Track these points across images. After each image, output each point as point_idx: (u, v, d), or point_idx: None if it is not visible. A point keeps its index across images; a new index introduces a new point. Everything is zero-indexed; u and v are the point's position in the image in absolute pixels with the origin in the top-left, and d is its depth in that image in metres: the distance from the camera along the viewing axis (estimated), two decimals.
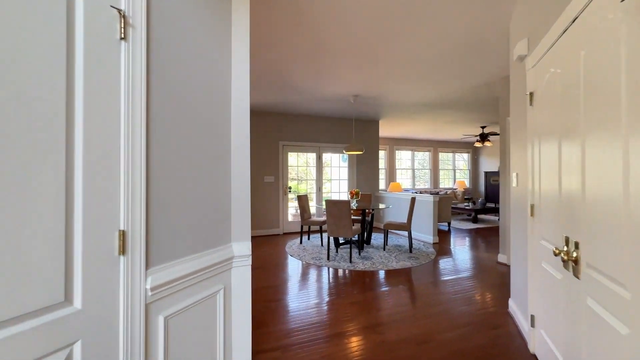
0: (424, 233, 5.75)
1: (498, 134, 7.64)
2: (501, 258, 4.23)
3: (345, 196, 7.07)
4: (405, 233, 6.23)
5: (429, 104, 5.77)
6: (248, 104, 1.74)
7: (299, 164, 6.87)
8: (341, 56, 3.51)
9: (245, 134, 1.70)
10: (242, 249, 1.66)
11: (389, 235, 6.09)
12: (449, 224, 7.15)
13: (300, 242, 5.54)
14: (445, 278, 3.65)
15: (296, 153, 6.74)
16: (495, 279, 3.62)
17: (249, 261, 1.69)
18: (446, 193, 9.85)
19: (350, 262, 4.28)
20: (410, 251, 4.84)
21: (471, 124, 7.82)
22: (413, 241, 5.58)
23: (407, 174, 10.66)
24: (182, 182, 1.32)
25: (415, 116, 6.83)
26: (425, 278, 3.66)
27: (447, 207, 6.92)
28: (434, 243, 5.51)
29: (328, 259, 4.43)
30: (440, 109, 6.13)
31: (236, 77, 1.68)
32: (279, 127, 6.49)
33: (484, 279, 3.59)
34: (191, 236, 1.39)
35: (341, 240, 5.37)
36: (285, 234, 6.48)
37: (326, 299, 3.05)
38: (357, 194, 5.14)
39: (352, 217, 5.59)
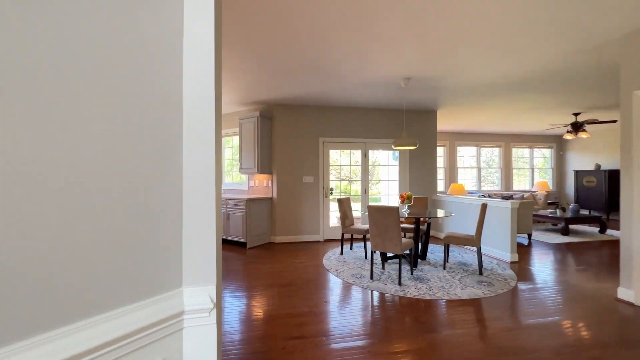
0: (498, 248, 4.55)
1: (603, 122, 5.94)
2: (624, 294, 2.95)
3: (395, 200, 6.12)
4: (473, 248, 5.08)
5: (503, 86, 4.55)
6: (211, 78, 1.06)
7: (342, 163, 6.13)
8: (390, 22, 2.68)
9: (208, 126, 1.04)
10: (199, 299, 1.00)
11: (450, 249, 5.00)
12: (530, 236, 5.72)
13: (341, 253, 4.80)
14: (537, 320, 2.58)
15: (338, 150, 6.01)
16: (620, 328, 2.44)
17: (213, 318, 1.02)
18: (523, 197, 8.18)
19: (400, 283, 3.41)
20: (481, 272, 3.76)
21: (559, 111, 6.22)
22: (484, 258, 4.44)
23: (470, 174, 9.17)
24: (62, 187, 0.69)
25: (484, 103, 5.58)
26: (507, 317, 2.63)
27: (528, 215, 5.53)
28: (512, 262, 4.30)
29: (372, 277, 3.61)
30: (519, 91, 4.84)
31: (191, 45, 1.02)
32: (318, 122, 5.83)
33: (602, 328, 2.44)
34: (85, 283, 0.77)
35: (389, 254, 4.49)
36: (326, 241, 5.80)
37: (363, 342, 2.27)
38: (409, 198, 4.22)
39: (403, 225, 4.67)
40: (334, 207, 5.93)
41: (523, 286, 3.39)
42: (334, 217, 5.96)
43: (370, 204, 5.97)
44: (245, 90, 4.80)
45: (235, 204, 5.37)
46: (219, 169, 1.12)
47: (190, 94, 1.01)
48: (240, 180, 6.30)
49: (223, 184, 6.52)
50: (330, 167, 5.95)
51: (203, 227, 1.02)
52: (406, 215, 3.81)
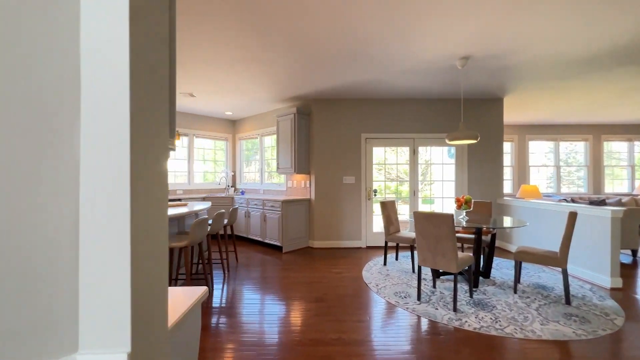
0: (591, 269, 3.55)
1: None
2: None
3: (450, 204, 5.30)
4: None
5: (593, 60, 3.53)
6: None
7: (388, 161, 5.51)
8: None
9: (120, 115, 0.65)
10: None
11: (522, 267, 4.08)
12: (635, 252, 4.47)
13: (384, 263, 4.22)
14: None
15: (383, 147, 5.41)
16: None
17: None
18: (620, 202, 6.59)
19: (455, 309, 2.75)
20: (568, 302, 2.89)
21: None
22: (572, 281, 3.49)
23: (545, 173, 7.75)
24: None
25: (565, 85, 4.50)
26: None
27: (632, 225, 4.30)
28: (613, 289, 3.29)
29: (419, 298, 3.00)
30: (619, 65, 3.73)
31: None
32: (359, 117, 5.31)
33: None
34: None
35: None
36: (368, 248, 5.25)
37: None
38: (467, 202, 3.48)
39: (460, 235, 3.92)
40: (378, 210, 5.34)
41: (636, 327, 2.47)
42: (378, 222, 5.37)
43: (418, 209, 5.26)
44: (278, 85, 4.50)
45: (271, 206, 5.13)
46: (160, 180, 0.73)
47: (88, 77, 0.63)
48: (280, 181, 6.07)
49: (263, 184, 6.37)
50: (374, 167, 5.38)
51: (110, 265, 0.64)
52: (464, 224, 3.11)
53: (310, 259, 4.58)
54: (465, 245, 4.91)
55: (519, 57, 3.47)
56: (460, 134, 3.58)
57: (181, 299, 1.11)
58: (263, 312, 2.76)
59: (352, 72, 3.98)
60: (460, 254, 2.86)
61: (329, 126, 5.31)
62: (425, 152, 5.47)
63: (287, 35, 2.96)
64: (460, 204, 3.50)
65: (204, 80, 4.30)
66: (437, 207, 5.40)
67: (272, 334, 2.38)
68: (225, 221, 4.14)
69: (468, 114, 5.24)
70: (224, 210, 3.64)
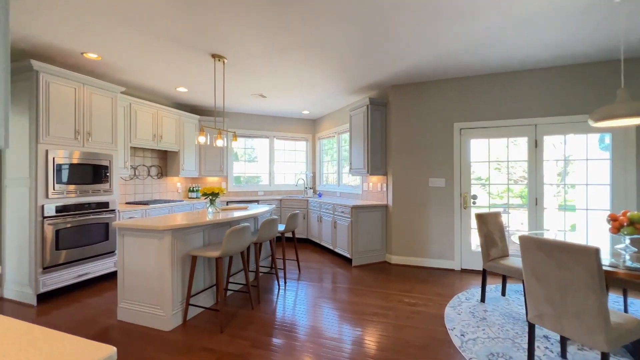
0: None
1: None
2: None
3: (600, 223, 3.52)
4: None
5: None
6: None
7: (491, 158, 4.12)
8: None
9: None
10: None
11: None
12: None
13: (482, 299, 3.05)
14: None
15: (486, 139, 4.06)
16: None
17: None
18: None
19: None
20: None
21: None
22: None
23: None
24: None
25: None
26: None
27: None
28: None
29: None
30: None
31: None
32: (451, 102, 4.13)
33: None
34: None
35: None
36: (464, 271, 4.03)
37: None
38: (634, 223, 2.05)
39: (620, 276, 2.43)
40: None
41: None
42: (477, 238, 4.07)
43: (533, 232, 3.76)
44: (343, 72, 3.87)
45: (341, 211, 4.54)
46: None
47: None
48: (357, 183, 5.42)
49: (340, 186, 5.85)
50: (472, 165, 4.10)
51: None
52: (627, 264, 1.79)
53: (383, 278, 3.77)
54: (630, 298, 3.14)
55: None
56: (619, 107, 2.15)
57: None
58: (285, 352, 2.21)
59: (437, 39, 2.99)
60: (617, 317, 1.62)
61: (410, 116, 4.34)
62: (554, 143, 3.82)
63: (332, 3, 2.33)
64: (620, 225, 2.09)
65: (263, 77, 4.07)
66: (580, 225, 3.69)
67: None
68: (282, 227, 3.78)
69: (633, 81, 3.37)
70: (276, 217, 3.28)
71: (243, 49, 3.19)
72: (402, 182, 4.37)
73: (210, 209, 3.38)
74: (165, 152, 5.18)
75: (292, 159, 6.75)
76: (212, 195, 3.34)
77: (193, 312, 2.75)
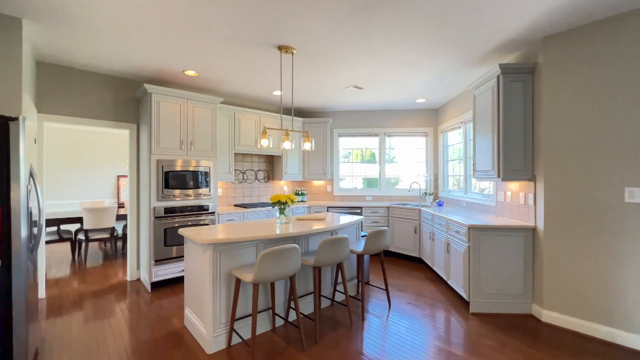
0: None
1: None
2: None
3: None
4: None
5: None
6: None
7: None
8: None
9: None
10: None
11: None
12: None
13: None
14: None
15: None
16: None
17: None
18: None
19: None
20: None
21: None
22: None
23: None
24: None
25: None
26: None
27: None
28: None
29: None
30: None
31: None
32: None
33: None
34: None
35: None
36: None
37: None
38: None
39: None
40: None
41: None
42: None
43: None
44: (456, 30, 2.66)
45: (456, 231, 3.28)
46: None
47: None
48: (490, 191, 3.87)
49: (467, 194, 4.37)
50: None
51: None
52: None
53: (520, 347, 2.36)
54: None
55: None
56: None
57: None
58: None
59: None
60: None
61: (586, 84, 2.58)
62: None
63: None
64: None
65: (353, 65, 3.39)
66: None
67: None
68: (359, 247, 2.98)
69: None
70: (344, 237, 2.58)
71: (319, 40, 2.66)
72: (564, 193, 2.67)
73: (279, 220, 3.05)
74: (272, 156, 5.34)
75: (408, 159, 5.68)
76: (280, 205, 2.99)
77: (245, 332, 2.46)
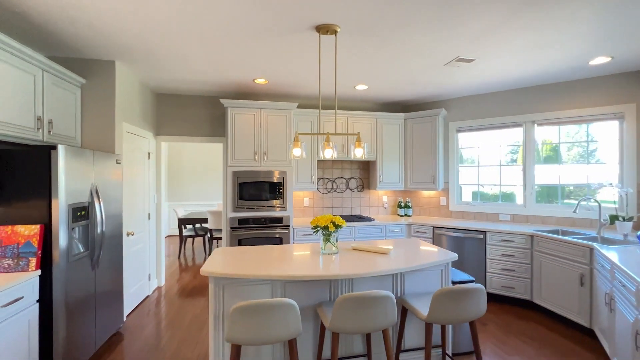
0: None
1: None
2: None
3: None
4: None
5: None
6: None
7: None
8: None
9: None
10: None
11: None
12: None
13: None
14: None
15: None
16: None
17: None
18: None
19: None
20: None
21: None
22: None
23: None
24: None
25: None
26: None
27: None
28: None
29: None
30: None
31: None
32: None
33: None
34: None
35: None
36: None
37: None
38: None
39: None
40: None
41: None
42: None
43: None
44: None
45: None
46: None
47: None
48: None
49: None
50: None
51: None
52: None
53: None
54: None
55: None
56: None
57: None
58: None
59: None
60: None
61: None
62: None
63: None
64: None
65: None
66: None
67: None
68: (425, 308, 1.84)
69: None
70: (387, 294, 1.67)
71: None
72: None
73: (323, 250, 2.39)
74: (367, 162, 4.60)
75: (575, 157, 3.58)
76: (324, 230, 2.33)
77: None
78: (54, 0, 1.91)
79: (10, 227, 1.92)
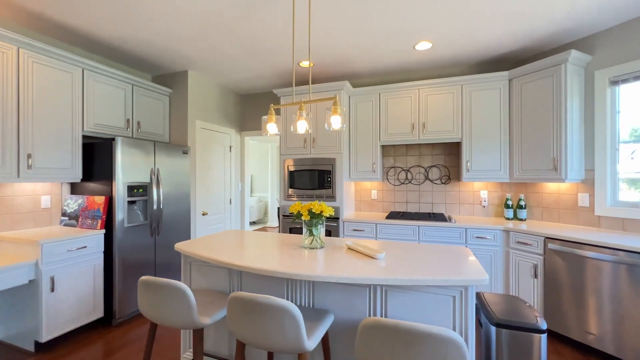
0: None
1: None
2: None
3: None
4: None
5: None
6: None
7: None
8: None
9: None
10: None
11: None
12: None
13: None
14: None
15: None
16: None
17: None
18: None
19: None
20: None
21: None
22: None
23: None
24: None
25: None
26: None
27: None
28: None
29: None
30: None
31: None
32: None
33: None
34: None
35: None
36: None
37: None
38: None
39: None
40: None
41: None
42: None
43: None
44: None
45: None
46: None
47: None
48: None
49: None
50: None
51: None
52: None
53: None
54: None
55: None
56: None
57: None
58: None
59: None
60: None
61: None
62: None
63: None
64: None
65: None
66: None
67: None
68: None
69: None
70: None
71: None
72: None
73: (305, 243, 2.00)
74: (455, 145, 3.49)
75: None
76: (301, 218, 1.95)
77: None
78: (147, 34, 2.52)
79: (92, 197, 2.69)
